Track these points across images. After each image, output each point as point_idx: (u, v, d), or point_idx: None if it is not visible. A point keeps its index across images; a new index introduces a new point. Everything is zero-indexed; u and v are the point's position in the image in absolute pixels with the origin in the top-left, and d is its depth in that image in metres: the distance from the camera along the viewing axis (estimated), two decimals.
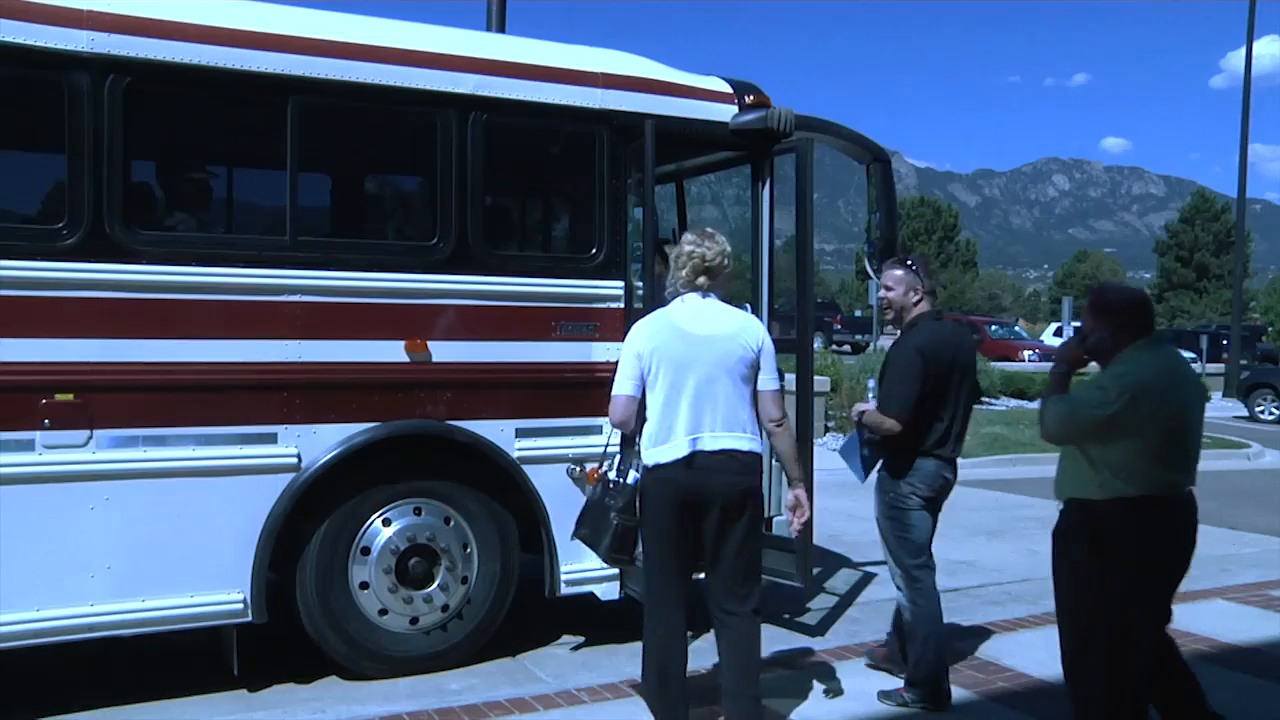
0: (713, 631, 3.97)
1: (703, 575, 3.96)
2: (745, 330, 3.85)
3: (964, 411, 4.49)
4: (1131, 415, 3.25)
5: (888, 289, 4.56)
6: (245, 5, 4.53)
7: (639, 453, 3.87)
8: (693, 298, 3.88)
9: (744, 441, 3.79)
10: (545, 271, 5.01)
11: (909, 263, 4.56)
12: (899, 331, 4.58)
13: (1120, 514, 3.33)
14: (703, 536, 3.80)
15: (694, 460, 3.72)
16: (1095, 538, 3.38)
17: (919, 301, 4.50)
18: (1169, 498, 3.35)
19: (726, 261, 3.90)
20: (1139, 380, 3.28)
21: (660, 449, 3.75)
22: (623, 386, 3.83)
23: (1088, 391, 3.36)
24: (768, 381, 3.88)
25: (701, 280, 3.86)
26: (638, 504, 3.89)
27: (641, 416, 3.84)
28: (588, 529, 4.09)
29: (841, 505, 8.69)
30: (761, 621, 3.94)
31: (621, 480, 4.01)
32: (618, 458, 4.14)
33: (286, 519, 4.46)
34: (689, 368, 3.75)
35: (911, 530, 4.40)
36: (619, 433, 4.10)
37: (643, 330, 3.87)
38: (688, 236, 3.96)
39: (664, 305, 4.00)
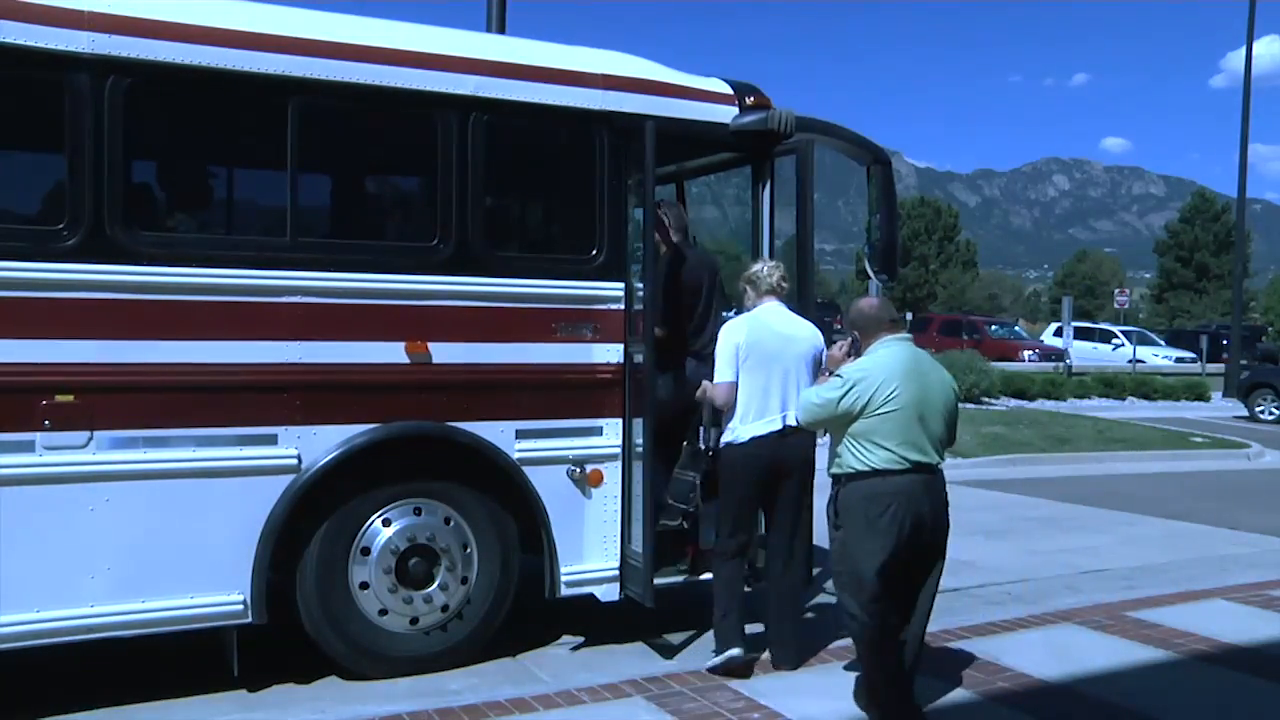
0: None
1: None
2: (815, 335, 4.89)
3: None
4: (853, 401, 4.00)
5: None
6: (245, 6, 4.53)
7: (730, 428, 4.72)
8: (775, 305, 4.86)
9: None
10: (545, 273, 5.01)
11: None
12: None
13: (851, 485, 4.04)
14: (773, 499, 4.77)
15: (785, 433, 4.66)
16: (836, 505, 4.12)
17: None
18: (895, 472, 3.96)
19: None
20: (860, 373, 4.05)
21: (758, 424, 4.68)
22: (726, 374, 4.71)
23: (828, 381, 4.20)
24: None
25: (784, 286, 4.95)
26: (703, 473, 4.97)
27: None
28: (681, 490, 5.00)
29: None
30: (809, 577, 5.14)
31: (709, 449, 5.00)
32: (704, 432, 5.15)
33: (286, 520, 4.46)
34: (778, 359, 4.70)
35: None
36: (706, 412, 5.06)
37: (740, 328, 4.76)
38: (767, 263, 4.99)
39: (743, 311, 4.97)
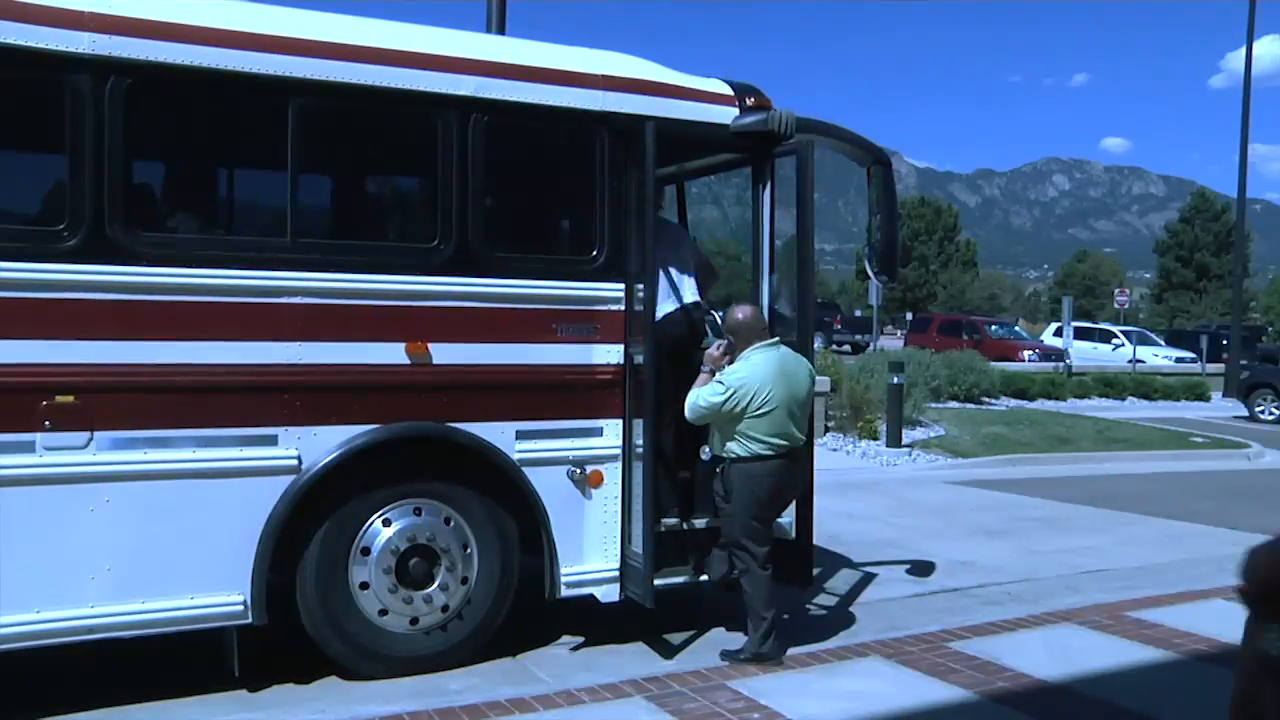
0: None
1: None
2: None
3: None
4: (733, 405, 4.79)
5: None
6: (246, 7, 4.53)
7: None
8: None
9: None
10: (546, 274, 5.01)
11: None
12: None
13: (735, 466, 4.89)
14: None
15: None
16: (724, 482, 4.94)
17: None
18: (768, 457, 4.85)
19: None
20: (739, 381, 4.82)
21: None
22: None
23: (711, 386, 4.88)
24: None
25: None
26: None
27: None
28: None
29: (842, 505, 8.68)
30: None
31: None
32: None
33: (287, 520, 4.46)
34: None
35: None
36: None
37: None
38: None
39: None
